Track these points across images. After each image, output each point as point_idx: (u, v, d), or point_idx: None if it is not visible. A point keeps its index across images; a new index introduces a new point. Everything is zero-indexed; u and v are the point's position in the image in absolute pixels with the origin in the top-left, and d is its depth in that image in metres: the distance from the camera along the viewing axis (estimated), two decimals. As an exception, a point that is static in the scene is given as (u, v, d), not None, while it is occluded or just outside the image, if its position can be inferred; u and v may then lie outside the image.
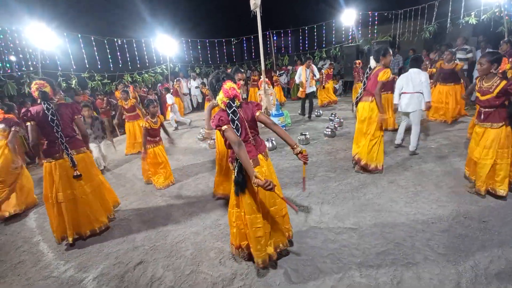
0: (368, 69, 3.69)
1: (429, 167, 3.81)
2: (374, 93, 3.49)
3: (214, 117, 1.97)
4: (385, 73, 3.41)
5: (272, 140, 5.29)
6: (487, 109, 2.84)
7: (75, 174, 2.78)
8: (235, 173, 2.01)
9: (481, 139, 2.92)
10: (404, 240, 2.40)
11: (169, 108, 8.39)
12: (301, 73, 6.94)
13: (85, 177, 2.91)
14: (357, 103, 3.84)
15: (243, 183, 2.00)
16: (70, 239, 2.85)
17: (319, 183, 3.67)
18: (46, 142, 2.80)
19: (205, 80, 11.80)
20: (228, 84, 1.92)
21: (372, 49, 10.26)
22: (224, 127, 1.90)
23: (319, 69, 9.04)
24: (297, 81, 7.14)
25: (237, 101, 1.95)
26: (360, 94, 3.80)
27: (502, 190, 2.84)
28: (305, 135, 5.44)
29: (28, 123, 2.69)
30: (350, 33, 11.45)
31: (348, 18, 10.58)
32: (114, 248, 2.77)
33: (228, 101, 1.92)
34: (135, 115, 6.15)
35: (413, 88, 4.04)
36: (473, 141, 3.04)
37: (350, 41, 11.57)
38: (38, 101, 2.74)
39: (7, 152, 3.70)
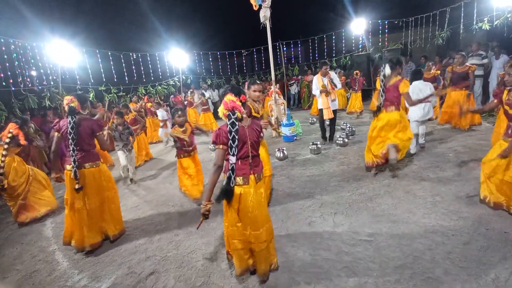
0: (382, 77, 3.69)
1: (447, 176, 3.67)
2: (399, 103, 3.74)
3: (215, 130, 2.05)
4: (405, 84, 3.61)
5: (283, 150, 5.27)
6: None
7: (76, 187, 2.85)
8: (224, 183, 2.01)
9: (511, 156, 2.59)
10: (423, 253, 2.30)
11: (161, 124, 8.02)
12: (317, 83, 5.53)
13: (91, 191, 2.96)
14: (376, 113, 3.85)
15: (228, 193, 2.00)
16: (73, 243, 2.99)
17: (331, 193, 3.60)
18: (67, 152, 2.96)
19: (213, 91, 11.97)
20: (227, 97, 1.98)
21: (384, 58, 10.25)
22: (217, 146, 2.02)
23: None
24: (316, 93, 5.62)
25: (238, 113, 1.98)
26: (381, 104, 3.75)
27: None
28: (316, 144, 5.39)
29: (55, 134, 2.97)
30: (360, 42, 11.44)
31: (358, 27, 10.60)
32: (127, 258, 2.79)
33: (228, 113, 1.97)
34: (136, 129, 6.06)
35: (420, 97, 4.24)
36: (491, 156, 2.72)
37: (360, 50, 11.55)
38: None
39: (16, 162, 3.92)
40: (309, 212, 3.21)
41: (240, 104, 2.03)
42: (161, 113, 7.98)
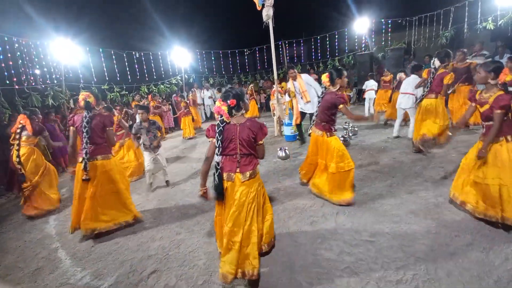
0: (433, 69, 4.21)
1: (451, 177, 3.64)
2: (439, 92, 4.19)
3: (208, 126, 2.25)
4: (451, 77, 4.08)
5: (285, 149, 5.26)
6: (487, 123, 2.58)
7: (83, 178, 3.01)
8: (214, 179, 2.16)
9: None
10: (426, 255, 2.29)
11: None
12: (291, 87, 5.55)
13: (103, 181, 3.13)
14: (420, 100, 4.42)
15: (217, 188, 2.14)
16: (83, 232, 3.11)
17: (333, 193, 3.58)
18: (82, 145, 3.10)
19: (215, 91, 11.97)
20: (217, 103, 2.22)
21: (387, 57, 10.18)
22: (209, 139, 2.24)
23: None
24: (287, 99, 5.91)
25: (224, 117, 2.15)
26: (424, 93, 4.35)
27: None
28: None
29: (71, 128, 3.16)
30: (363, 41, 11.39)
31: (361, 26, 10.56)
32: (129, 256, 2.80)
33: (219, 116, 2.20)
34: (121, 135, 5.36)
35: (412, 91, 5.11)
36: (470, 155, 2.74)
37: (363, 49, 11.50)
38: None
39: (36, 155, 4.06)
40: (311, 211, 3.20)
41: (226, 109, 2.15)
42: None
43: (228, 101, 2.12)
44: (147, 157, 4.36)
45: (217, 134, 2.12)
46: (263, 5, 6.22)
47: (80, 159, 3.06)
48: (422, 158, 4.37)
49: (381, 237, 2.58)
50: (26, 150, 4.01)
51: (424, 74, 4.65)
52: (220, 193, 2.16)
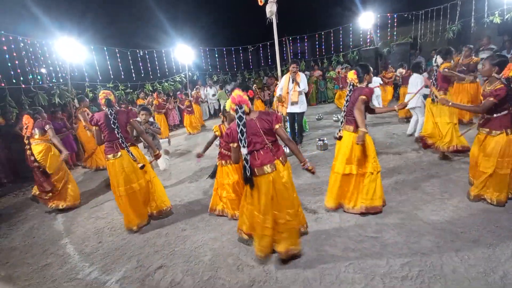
0: (435, 67, 4.11)
1: (458, 173, 3.61)
2: (446, 88, 4.07)
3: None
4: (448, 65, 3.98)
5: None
6: (488, 115, 2.69)
7: (140, 165, 3.12)
8: (243, 172, 2.19)
9: (482, 146, 2.81)
10: (431, 251, 2.28)
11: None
12: (284, 84, 5.38)
13: (139, 173, 3.23)
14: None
15: (249, 179, 2.17)
16: (135, 227, 3.21)
17: (338, 189, 3.58)
18: (106, 142, 3.15)
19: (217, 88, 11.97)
20: (235, 92, 2.13)
21: (392, 52, 10.07)
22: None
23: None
24: (278, 93, 5.50)
25: (245, 106, 2.12)
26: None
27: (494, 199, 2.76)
28: (322, 140, 5.36)
29: (94, 128, 3.15)
30: (368, 36, 11.25)
31: (366, 21, 10.41)
32: (136, 252, 2.84)
33: (235, 107, 2.12)
34: None
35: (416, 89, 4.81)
36: (474, 146, 2.95)
37: (368, 44, 11.36)
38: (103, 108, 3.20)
39: (54, 150, 4.09)
40: (316, 208, 3.20)
41: (247, 98, 2.14)
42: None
43: (248, 92, 2.17)
44: (147, 157, 4.38)
45: (241, 127, 2.10)
46: (266, 1, 6.18)
47: (110, 156, 3.10)
48: (428, 154, 4.33)
49: (386, 233, 2.57)
50: (43, 147, 4.00)
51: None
52: (252, 184, 2.19)
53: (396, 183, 3.54)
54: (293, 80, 5.29)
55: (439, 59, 4.06)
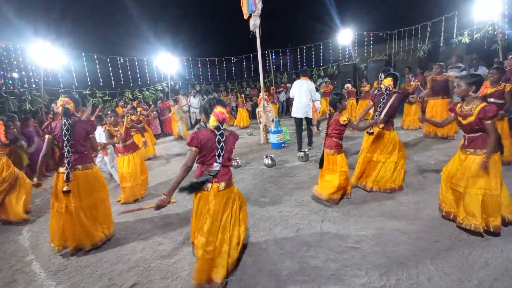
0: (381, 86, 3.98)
1: (429, 183, 3.78)
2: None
3: (192, 133, 2.18)
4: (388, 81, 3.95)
5: (272, 156, 5.28)
6: (470, 134, 2.62)
7: (64, 189, 2.79)
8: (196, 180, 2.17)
9: (464, 167, 2.65)
10: (408, 260, 2.33)
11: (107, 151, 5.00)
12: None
13: (84, 192, 2.94)
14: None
15: (193, 188, 2.16)
16: (71, 248, 2.93)
17: (319, 200, 3.61)
18: (59, 155, 2.91)
19: (201, 98, 11.93)
20: (218, 109, 2.13)
21: (369, 68, 10.59)
22: (191, 148, 2.14)
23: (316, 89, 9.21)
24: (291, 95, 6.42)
25: (225, 124, 2.15)
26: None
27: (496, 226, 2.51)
28: (304, 151, 5.43)
29: (46, 136, 2.90)
30: (347, 52, 11.78)
31: (344, 38, 10.93)
32: (108, 269, 2.67)
33: (217, 124, 2.11)
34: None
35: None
36: (451, 165, 2.81)
37: (347, 60, 11.87)
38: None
39: (5, 161, 3.84)
40: (297, 219, 3.20)
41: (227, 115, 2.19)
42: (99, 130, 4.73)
43: (226, 108, 2.19)
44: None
45: (222, 143, 2.12)
46: (250, 15, 6.31)
47: (62, 169, 2.84)
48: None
49: (365, 243, 2.61)
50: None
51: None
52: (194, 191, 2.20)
53: (374, 194, 3.63)
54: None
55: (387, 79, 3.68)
